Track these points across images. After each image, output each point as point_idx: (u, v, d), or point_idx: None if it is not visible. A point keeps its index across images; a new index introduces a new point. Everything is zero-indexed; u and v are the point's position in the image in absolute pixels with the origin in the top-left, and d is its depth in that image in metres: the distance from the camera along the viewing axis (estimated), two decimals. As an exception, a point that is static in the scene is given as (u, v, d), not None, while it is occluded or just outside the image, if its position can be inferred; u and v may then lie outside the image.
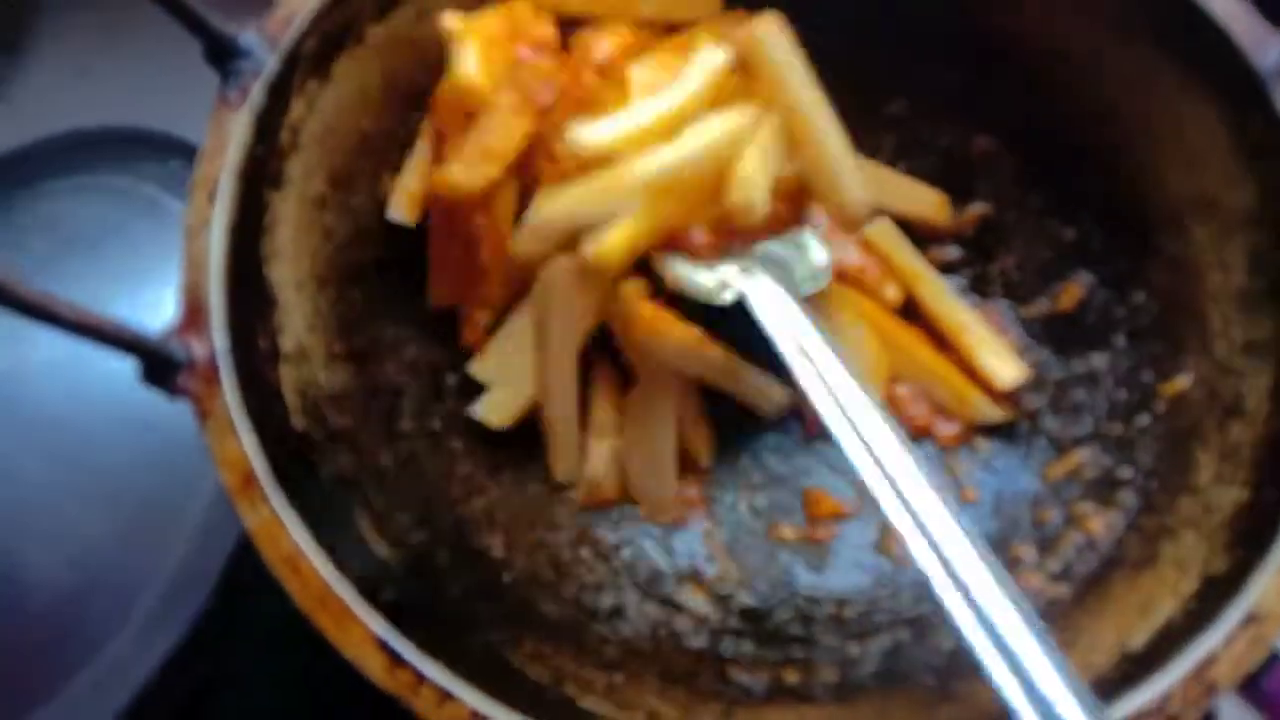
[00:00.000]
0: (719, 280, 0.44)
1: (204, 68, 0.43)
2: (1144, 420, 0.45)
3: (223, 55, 0.42)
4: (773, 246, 0.47)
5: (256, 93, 0.42)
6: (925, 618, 0.44)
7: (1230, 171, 0.44)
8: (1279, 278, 0.42)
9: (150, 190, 0.62)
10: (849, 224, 0.50)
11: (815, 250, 0.48)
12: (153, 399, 0.38)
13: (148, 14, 0.41)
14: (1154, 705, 0.34)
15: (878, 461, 0.36)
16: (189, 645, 0.50)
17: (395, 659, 0.34)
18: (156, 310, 0.57)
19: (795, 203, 0.49)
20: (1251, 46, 0.42)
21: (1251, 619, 0.35)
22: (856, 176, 0.46)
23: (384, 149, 0.48)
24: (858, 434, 0.37)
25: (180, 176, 0.63)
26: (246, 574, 0.49)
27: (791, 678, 0.43)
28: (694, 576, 0.47)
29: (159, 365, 0.37)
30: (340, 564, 0.35)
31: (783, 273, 0.45)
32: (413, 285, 0.49)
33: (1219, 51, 0.42)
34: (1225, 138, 0.44)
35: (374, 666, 0.34)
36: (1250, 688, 0.66)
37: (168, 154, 0.63)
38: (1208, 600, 0.36)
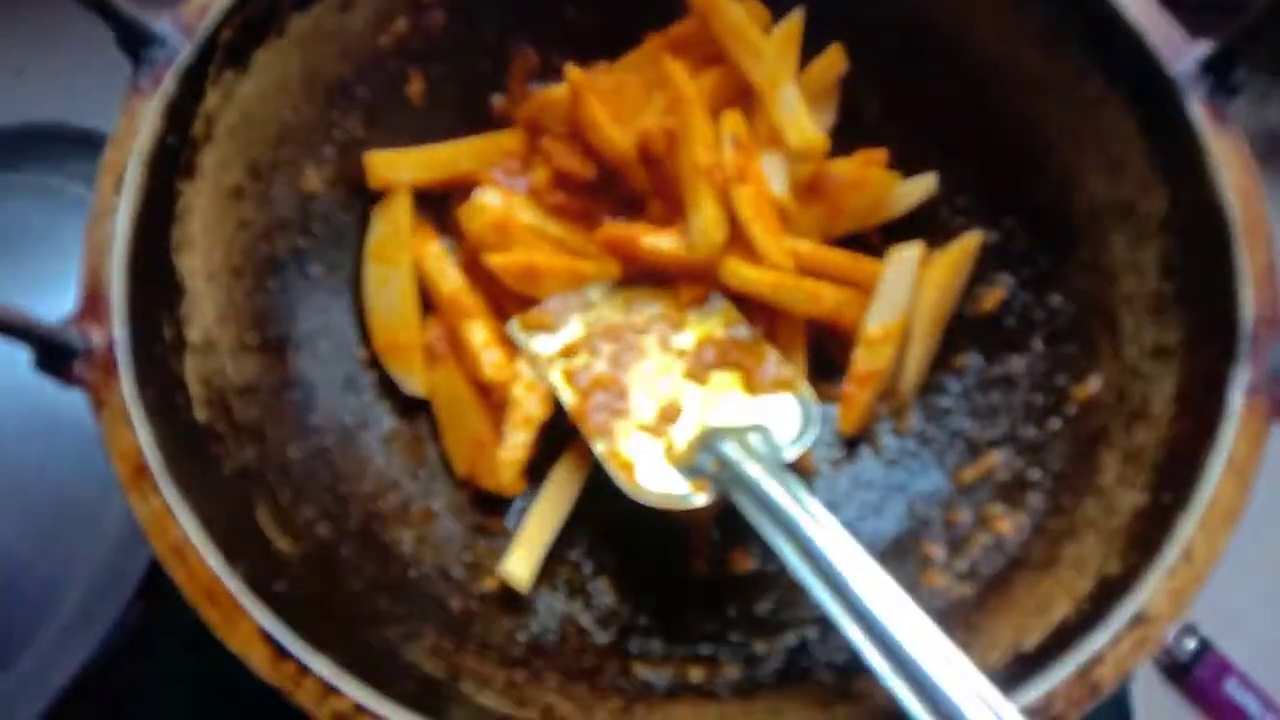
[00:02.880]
0: (692, 482, 0.44)
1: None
2: (1055, 424, 0.46)
3: (135, 42, 0.42)
4: (750, 425, 0.45)
5: (169, 81, 0.42)
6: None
7: (1146, 178, 0.44)
8: (1187, 283, 0.42)
9: (78, 189, 0.61)
10: (807, 156, 0.51)
11: (800, 410, 0.47)
12: (66, 393, 0.38)
13: (81, 12, 0.41)
14: (1038, 704, 0.34)
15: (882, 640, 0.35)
16: (111, 649, 0.50)
17: (279, 651, 0.34)
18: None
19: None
20: (1167, 54, 0.42)
21: (1139, 620, 0.35)
22: (809, 117, 0.50)
23: (305, 140, 0.48)
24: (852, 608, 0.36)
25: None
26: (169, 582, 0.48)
27: (696, 675, 0.43)
28: (607, 571, 0.48)
29: (55, 353, 0.37)
30: (231, 556, 0.35)
31: (762, 444, 0.43)
32: (332, 277, 0.49)
33: (1136, 58, 0.43)
34: (1143, 144, 0.44)
35: (258, 659, 0.34)
36: (1184, 678, 0.67)
37: (96, 152, 0.62)
38: (1100, 601, 0.37)
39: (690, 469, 0.45)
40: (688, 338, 0.50)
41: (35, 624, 0.50)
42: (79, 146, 0.64)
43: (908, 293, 0.50)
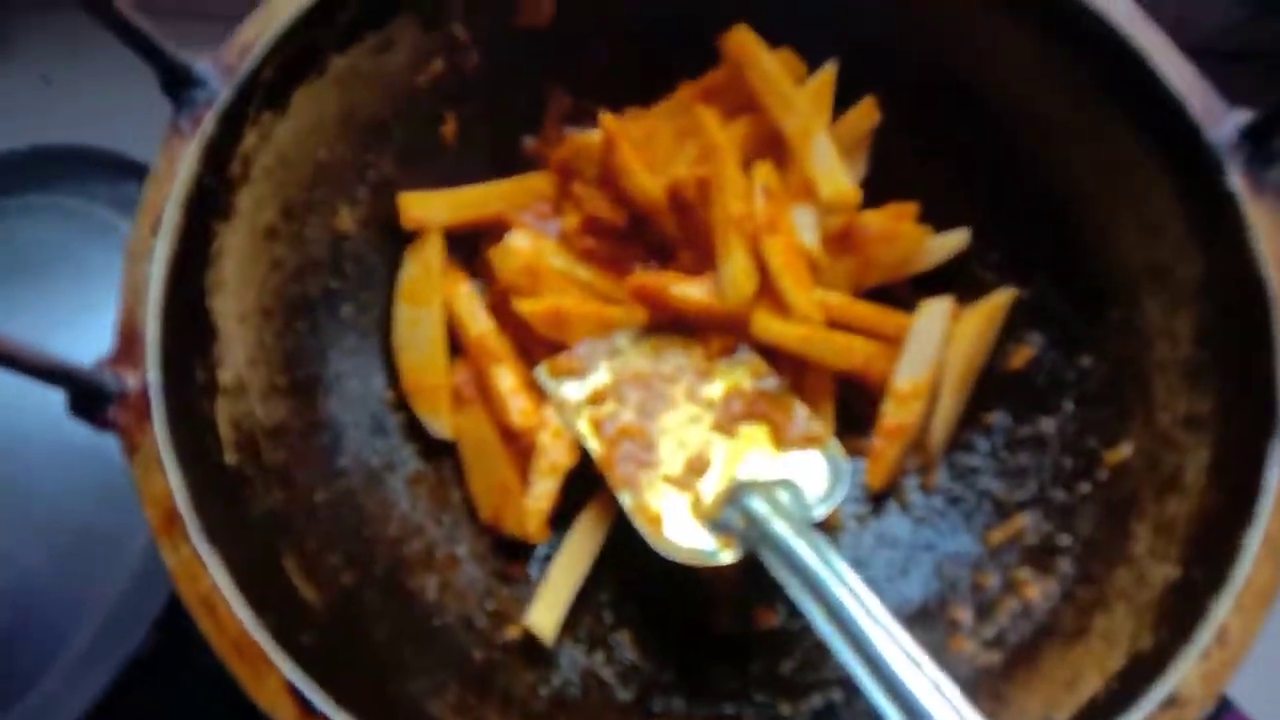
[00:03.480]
0: (719, 539, 0.44)
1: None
2: (1086, 487, 0.46)
3: (177, 84, 0.42)
4: (780, 479, 0.46)
5: (208, 123, 0.42)
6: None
7: (1182, 243, 0.44)
8: (1223, 352, 0.42)
9: (103, 213, 0.62)
10: (839, 208, 0.51)
11: (828, 467, 0.47)
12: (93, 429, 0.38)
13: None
14: (1071, 784, 0.34)
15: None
16: (126, 682, 0.50)
17: (307, 708, 0.34)
18: (101, 338, 0.57)
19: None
20: (1206, 120, 0.43)
21: (1172, 702, 0.35)
22: (842, 168, 0.51)
23: (340, 180, 0.49)
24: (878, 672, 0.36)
25: (135, 200, 0.63)
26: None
27: (718, 736, 0.43)
28: (630, 624, 0.48)
29: (89, 396, 0.37)
30: (259, 607, 0.35)
31: (791, 502, 0.44)
32: (362, 318, 0.50)
33: (1176, 124, 0.43)
34: (1179, 209, 0.44)
35: (286, 715, 0.34)
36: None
37: (123, 176, 0.63)
38: (1132, 679, 0.37)
39: (717, 524, 0.45)
40: (716, 388, 0.50)
41: (51, 654, 0.51)
42: (105, 169, 0.65)
43: (937, 347, 0.51)
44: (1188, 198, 0.44)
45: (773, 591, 0.46)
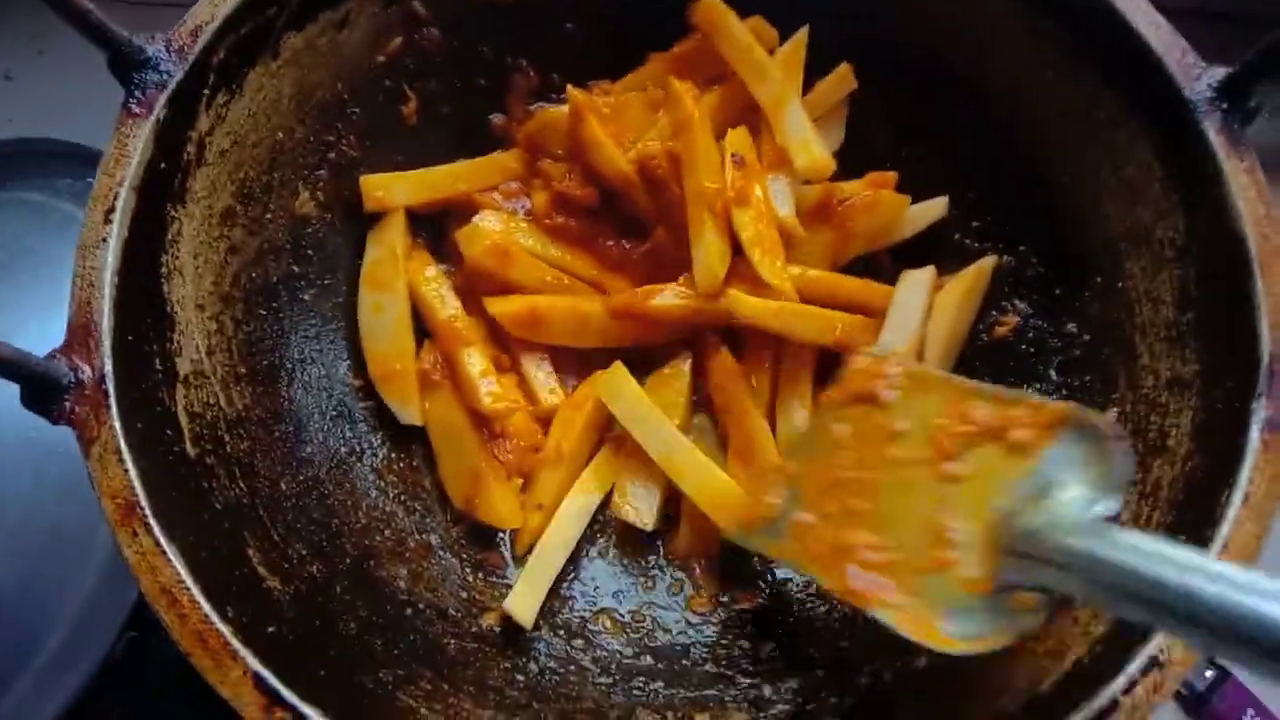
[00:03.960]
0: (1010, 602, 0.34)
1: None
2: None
3: (127, 65, 0.41)
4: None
5: (161, 105, 0.41)
6: (843, 656, 0.44)
7: (1162, 203, 0.44)
8: (1205, 314, 0.42)
9: (66, 206, 0.61)
10: (814, 177, 0.51)
11: (1090, 446, 0.35)
12: (54, 428, 0.37)
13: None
14: (1054, 753, 0.34)
15: None
16: (96, 686, 0.49)
17: (272, 698, 0.33)
18: (62, 331, 0.57)
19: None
20: (1182, 76, 0.42)
21: (1154, 664, 0.35)
22: (816, 137, 0.50)
23: (299, 162, 0.48)
24: None
25: (97, 192, 0.62)
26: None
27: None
28: (608, 611, 0.47)
29: (43, 388, 0.37)
30: (222, 598, 0.35)
31: (1072, 504, 0.34)
32: (325, 302, 0.49)
33: (1152, 81, 0.43)
34: (1159, 168, 0.44)
35: (250, 706, 0.33)
36: (1200, 706, 0.66)
37: (85, 169, 0.62)
38: (1115, 645, 0.36)
39: (1000, 587, 0.34)
40: (910, 441, 0.40)
41: (23, 655, 0.50)
42: (67, 162, 0.64)
43: (920, 317, 0.50)
44: (1166, 155, 0.44)
45: (751, 573, 0.45)
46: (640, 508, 0.47)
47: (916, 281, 0.51)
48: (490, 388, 0.48)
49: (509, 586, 0.47)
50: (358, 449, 0.48)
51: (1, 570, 0.51)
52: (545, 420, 0.50)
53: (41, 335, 0.55)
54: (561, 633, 0.46)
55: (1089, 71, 0.46)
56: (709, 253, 0.47)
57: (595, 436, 0.50)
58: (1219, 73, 0.41)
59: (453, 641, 0.44)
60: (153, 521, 0.35)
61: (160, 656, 0.50)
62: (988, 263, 0.51)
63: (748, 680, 0.45)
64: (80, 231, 0.55)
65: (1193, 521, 0.38)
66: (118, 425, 0.37)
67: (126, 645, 0.50)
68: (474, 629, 0.45)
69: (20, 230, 0.61)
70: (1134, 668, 0.35)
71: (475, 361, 0.48)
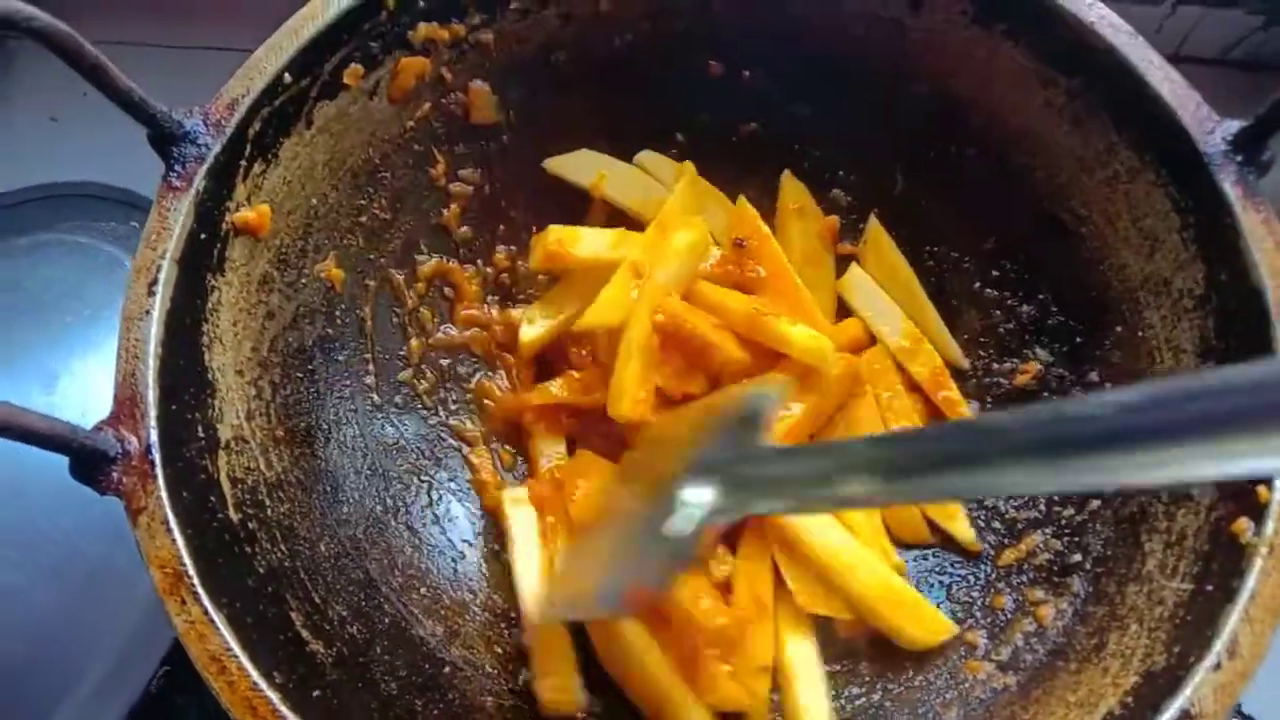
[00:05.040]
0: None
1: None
2: (1095, 503, 0.47)
3: (166, 140, 0.43)
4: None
5: (200, 178, 0.43)
6: None
7: (1180, 254, 0.45)
8: (1225, 362, 0.43)
9: (110, 248, 0.63)
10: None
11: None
12: None
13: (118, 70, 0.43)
14: (1088, 808, 0.35)
15: None
16: (138, 715, 0.51)
17: (321, 764, 0.35)
18: (106, 373, 0.58)
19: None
20: (1197, 130, 0.44)
21: (1185, 717, 0.36)
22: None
23: (331, 225, 0.50)
24: None
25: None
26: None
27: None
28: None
29: (90, 460, 0.38)
30: (269, 663, 0.36)
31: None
32: (356, 360, 0.51)
33: (1168, 135, 0.44)
34: (1176, 220, 0.45)
35: (301, 771, 0.35)
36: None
37: (130, 212, 0.65)
38: (1146, 696, 0.37)
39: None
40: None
41: (63, 691, 0.52)
42: (111, 205, 0.67)
43: (890, 301, 0.55)
44: (1184, 207, 0.45)
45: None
46: None
47: (858, 277, 0.54)
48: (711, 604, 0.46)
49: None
50: (392, 507, 0.50)
51: (45, 605, 0.53)
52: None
53: (84, 376, 0.57)
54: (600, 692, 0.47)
55: (1104, 124, 0.47)
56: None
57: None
58: (1233, 126, 0.43)
59: (490, 699, 0.45)
60: (200, 590, 0.37)
61: (200, 688, 0.52)
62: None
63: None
64: (123, 303, 0.58)
65: (1219, 572, 0.39)
66: (164, 495, 0.38)
67: (167, 678, 0.52)
68: (511, 686, 0.46)
69: (64, 271, 0.64)
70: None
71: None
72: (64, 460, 0.54)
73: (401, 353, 0.54)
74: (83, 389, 0.57)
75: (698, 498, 0.38)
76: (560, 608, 0.45)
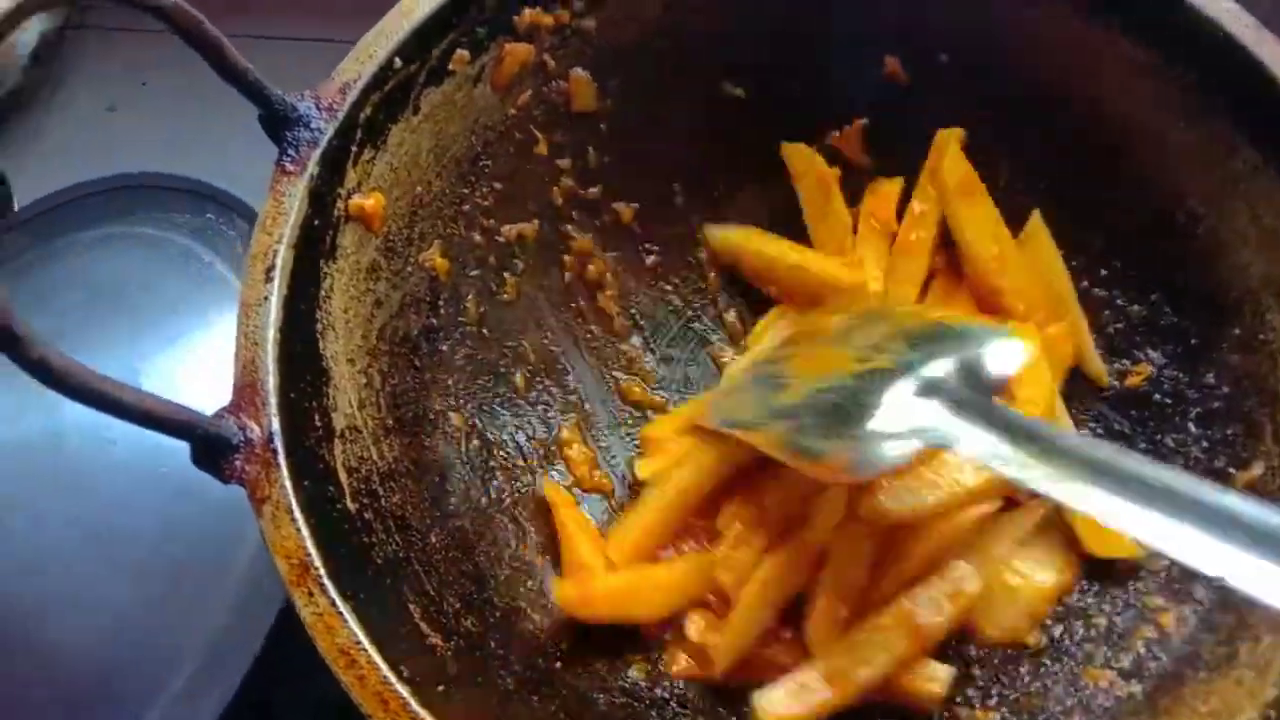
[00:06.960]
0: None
1: (234, 113, 0.45)
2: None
3: (280, 123, 0.43)
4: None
5: (313, 162, 0.43)
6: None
7: (1305, 255, 0.44)
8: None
9: (183, 240, 0.63)
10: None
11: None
12: (185, 463, 0.39)
13: (175, 58, 0.43)
14: (1237, 823, 0.34)
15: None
16: (231, 718, 0.50)
17: (455, 761, 0.34)
18: (188, 367, 0.58)
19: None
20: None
21: (1337, 732, 0.35)
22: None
23: (437, 214, 0.50)
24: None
25: (214, 227, 0.64)
26: (288, 650, 0.49)
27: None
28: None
29: (212, 448, 0.38)
30: (395, 657, 0.36)
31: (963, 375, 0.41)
32: (459, 351, 0.51)
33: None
34: (1299, 220, 0.45)
35: (432, 767, 0.34)
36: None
37: (199, 202, 0.64)
38: (1289, 710, 0.37)
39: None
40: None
41: (151, 695, 0.51)
42: (180, 195, 0.66)
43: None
44: (1308, 207, 0.44)
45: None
46: None
47: None
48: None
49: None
50: (496, 499, 0.49)
51: (130, 609, 0.53)
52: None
53: (169, 371, 0.57)
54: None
55: (1222, 117, 0.46)
56: None
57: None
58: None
59: (601, 696, 0.45)
60: (327, 581, 0.37)
61: (295, 691, 0.51)
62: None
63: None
64: (215, 269, 0.57)
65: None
66: (288, 483, 0.38)
67: (260, 679, 0.51)
68: (620, 683, 0.46)
69: (135, 264, 0.63)
70: (1317, 736, 0.35)
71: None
72: (136, 458, 0.55)
73: (509, 344, 0.53)
74: (169, 383, 0.57)
75: (920, 418, 0.39)
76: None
